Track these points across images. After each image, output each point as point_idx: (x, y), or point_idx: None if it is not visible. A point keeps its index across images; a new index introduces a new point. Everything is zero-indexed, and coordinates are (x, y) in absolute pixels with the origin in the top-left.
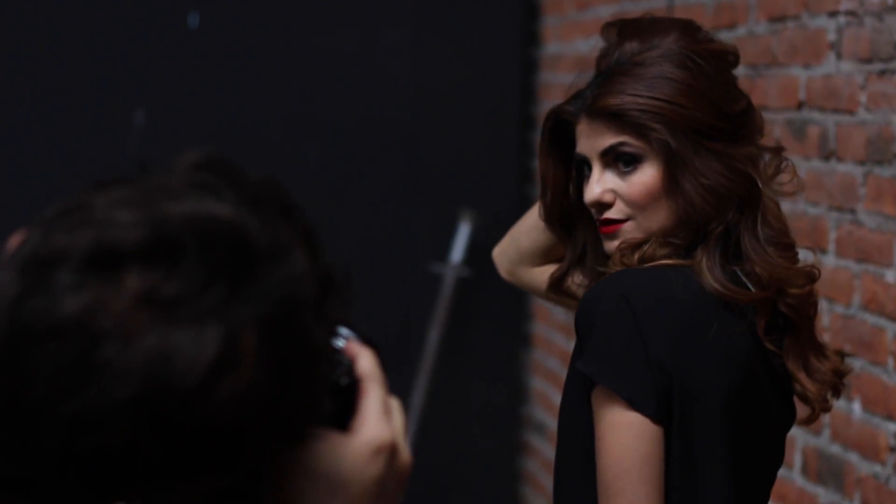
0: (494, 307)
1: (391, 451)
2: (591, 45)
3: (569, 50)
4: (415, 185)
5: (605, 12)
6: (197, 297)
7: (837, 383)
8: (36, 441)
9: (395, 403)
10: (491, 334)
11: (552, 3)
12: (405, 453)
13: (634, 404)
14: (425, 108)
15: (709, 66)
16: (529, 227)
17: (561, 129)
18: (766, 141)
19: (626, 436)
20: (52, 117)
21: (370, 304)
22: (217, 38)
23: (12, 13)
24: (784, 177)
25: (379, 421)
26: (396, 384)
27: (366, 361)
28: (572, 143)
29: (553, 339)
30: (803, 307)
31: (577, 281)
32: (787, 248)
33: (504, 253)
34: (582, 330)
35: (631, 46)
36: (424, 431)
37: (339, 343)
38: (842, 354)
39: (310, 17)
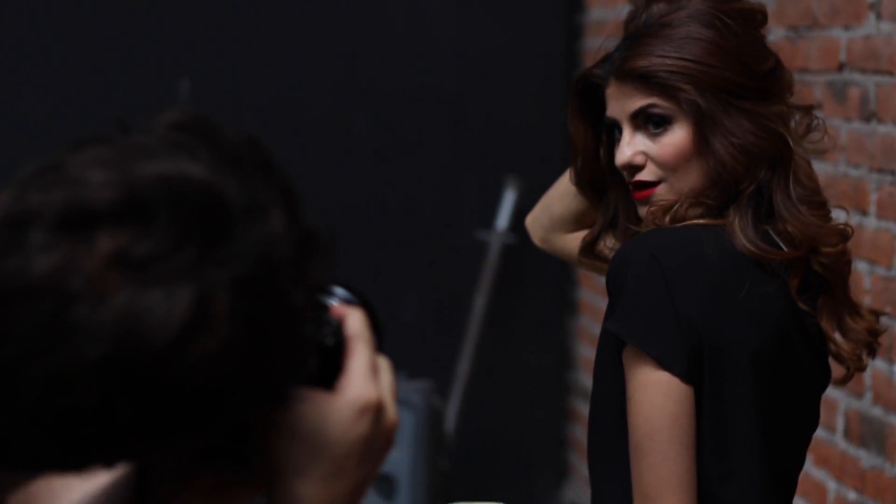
0: (540, 274)
1: (377, 410)
2: None
3: (613, 15)
4: (460, 153)
5: None
6: (168, 257)
7: (872, 342)
8: (10, 401)
9: (384, 363)
10: (537, 301)
11: None
12: (391, 412)
13: (663, 363)
14: (470, 76)
15: (737, 24)
16: (561, 194)
17: (591, 93)
18: (804, 101)
19: (656, 395)
20: (97, 88)
21: (416, 272)
22: (262, 6)
23: None
24: (815, 135)
25: (365, 380)
26: (443, 352)
27: (354, 322)
28: (602, 106)
29: (599, 305)
30: (837, 266)
31: (609, 245)
32: (820, 206)
33: (537, 220)
34: (613, 289)
35: (658, 8)
36: (471, 399)
37: (332, 302)
38: (877, 314)
39: None
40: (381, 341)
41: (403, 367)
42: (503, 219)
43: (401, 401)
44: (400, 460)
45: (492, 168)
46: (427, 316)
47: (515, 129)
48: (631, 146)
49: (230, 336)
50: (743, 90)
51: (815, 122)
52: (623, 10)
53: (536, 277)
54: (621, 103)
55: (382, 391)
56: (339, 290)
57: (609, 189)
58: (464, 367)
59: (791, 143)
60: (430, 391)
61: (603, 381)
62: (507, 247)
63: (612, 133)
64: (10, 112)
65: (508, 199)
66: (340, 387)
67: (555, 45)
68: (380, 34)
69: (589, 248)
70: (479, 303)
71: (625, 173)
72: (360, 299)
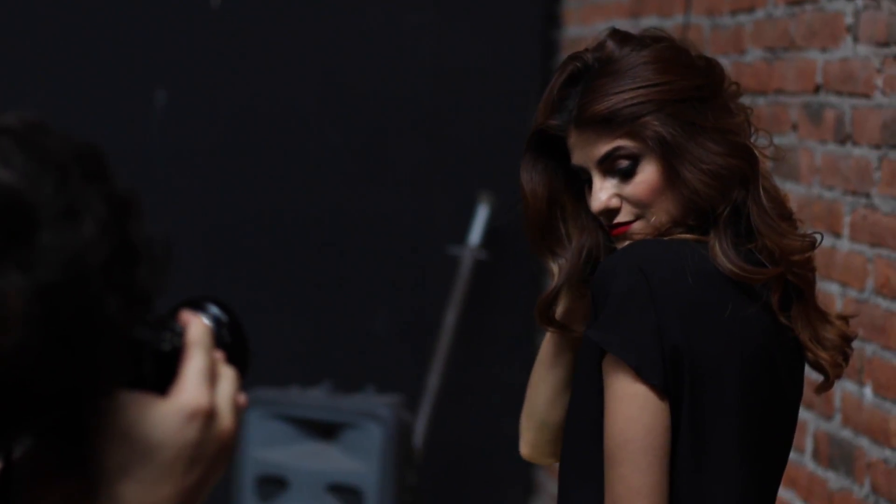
0: (511, 290)
1: (207, 416)
2: (611, 27)
3: (589, 32)
4: (433, 168)
5: None
6: None
7: (846, 347)
8: None
9: (227, 372)
10: (508, 317)
11: None
12: (226, 420)
13: (641, 373)
14: (445, 91)
15: (664, 36)
16: (546, 403)
17: (542, 145)
18: (781, 122)
19: (632, 405)
20: (73, 98)
21: (387, 286)
22: (239, 18)
23: None
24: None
25: (197, 386)
26: (413, 366)
27: (194, 329)
28: (553, 155)
29: None
30: (806, 274)
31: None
32: (789, 217)
33: (538, 442)
34: (597, 298)
35: (595, 53)
36: (440, 413)
37: (187, 313)
38: (846, 318)
39: (332, 0)
40: (246, 359)
41: (373, 380)
42: (475, 234)
43: (369, 414)
44: (368, 474)
45: (465, 183)
46: (397, 330)
47: (489, 144)
48: (604, 191)
49: (25, 338)
50: (702, 91)
51: (738, 89)
52: (600, 27)
53: (507, 293)
54: (586, 151)
55: (218, 398)
56: (210, 305)
57: (583, 234)
58: (433, 381)
59: (757, 154)
60: (400, 405)
61: (581, 389)
62: (478, 262)
63: (572, 181)
64: None
65: (481, 215)
66: (172, 392)
67: (531, 61)
68: (355, 49)
69: (545, 310)
70: (450, 318)
71: (602, 218)
72: (227, 314)
